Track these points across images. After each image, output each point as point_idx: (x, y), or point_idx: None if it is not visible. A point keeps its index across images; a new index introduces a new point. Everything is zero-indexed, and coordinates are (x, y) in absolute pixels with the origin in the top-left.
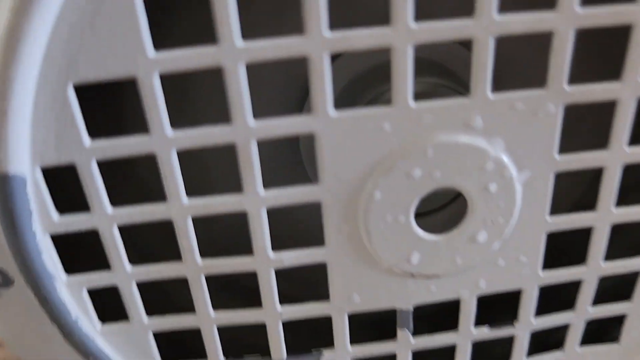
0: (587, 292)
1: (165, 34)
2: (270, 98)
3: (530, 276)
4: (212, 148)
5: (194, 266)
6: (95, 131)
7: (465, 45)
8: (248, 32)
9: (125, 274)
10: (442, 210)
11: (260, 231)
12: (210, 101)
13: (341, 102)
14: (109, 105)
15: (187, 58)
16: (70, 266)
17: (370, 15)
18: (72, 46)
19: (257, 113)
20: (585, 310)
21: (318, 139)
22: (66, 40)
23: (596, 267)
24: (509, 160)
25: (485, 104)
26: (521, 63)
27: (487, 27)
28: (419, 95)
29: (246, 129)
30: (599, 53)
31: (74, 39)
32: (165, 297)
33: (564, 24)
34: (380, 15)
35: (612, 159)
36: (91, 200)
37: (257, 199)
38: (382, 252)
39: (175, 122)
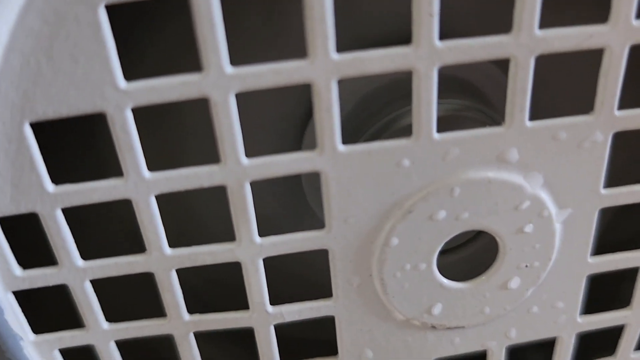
0: (630, 338)
1: (138, 59)
2: (262, 124)
3: (567, 323)
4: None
5: (180, 323)
6: (61, 172)
7: (495, 61)
8: (237, 55)
9: (102, 333)
10: (465, 246)
11: (257, 284)
12: (194, 130)
13: (347, 130)
14: (77, 139)
15: (165, 89)
16: (39, 322)
17: (382, 32)
18: (26, 78)
19: (247, 144)
20: (628, 356)
21: (324, 179)
22: (19, 71)
23: None
24: (548, 197)
25: (523, 134)
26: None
27: (527, 45)
28: (440, 120)
29: (238, 170)
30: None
31: (29, 70)
32: (150, 351)
33: (618, 40)
34: (394, 32)
35: None
36: (58, 253)
37: (252, 249)
38: (399, 303)
39: (153, 161)
